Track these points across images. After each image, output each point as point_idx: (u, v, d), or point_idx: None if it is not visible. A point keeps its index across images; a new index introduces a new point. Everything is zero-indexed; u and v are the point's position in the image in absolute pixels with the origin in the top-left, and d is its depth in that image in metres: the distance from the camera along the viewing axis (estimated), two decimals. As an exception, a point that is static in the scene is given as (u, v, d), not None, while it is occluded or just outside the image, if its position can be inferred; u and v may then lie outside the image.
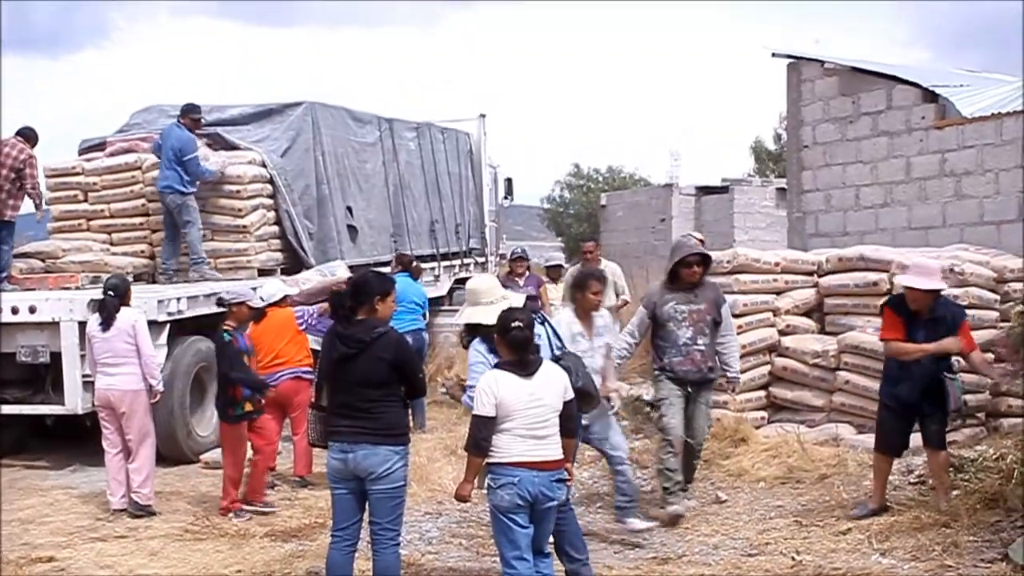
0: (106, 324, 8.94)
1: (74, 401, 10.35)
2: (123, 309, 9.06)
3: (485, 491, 5.97)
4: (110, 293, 9.08)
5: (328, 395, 6.21)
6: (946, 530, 7.23)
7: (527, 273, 13.56)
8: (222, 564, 7.52)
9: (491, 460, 5.79)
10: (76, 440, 11.61)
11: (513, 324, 5.80)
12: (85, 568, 7.51)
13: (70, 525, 8.66)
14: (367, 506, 6.14)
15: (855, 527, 7.70)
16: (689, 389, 8.33)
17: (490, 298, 6.43)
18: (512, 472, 5.72)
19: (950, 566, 6.76)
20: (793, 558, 7.22)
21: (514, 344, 5.81)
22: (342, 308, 6.15)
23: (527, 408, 5.73)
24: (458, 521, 8.49)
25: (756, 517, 8.35)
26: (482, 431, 5.75)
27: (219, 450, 11.12)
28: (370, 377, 5.98)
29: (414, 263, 13.02)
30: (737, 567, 7.14)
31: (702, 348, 8.33)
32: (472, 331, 6.43)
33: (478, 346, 6.30)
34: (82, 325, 10.31)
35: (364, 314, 6.08)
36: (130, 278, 12.31)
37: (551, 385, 5.83)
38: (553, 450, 5.82)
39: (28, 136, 12.06)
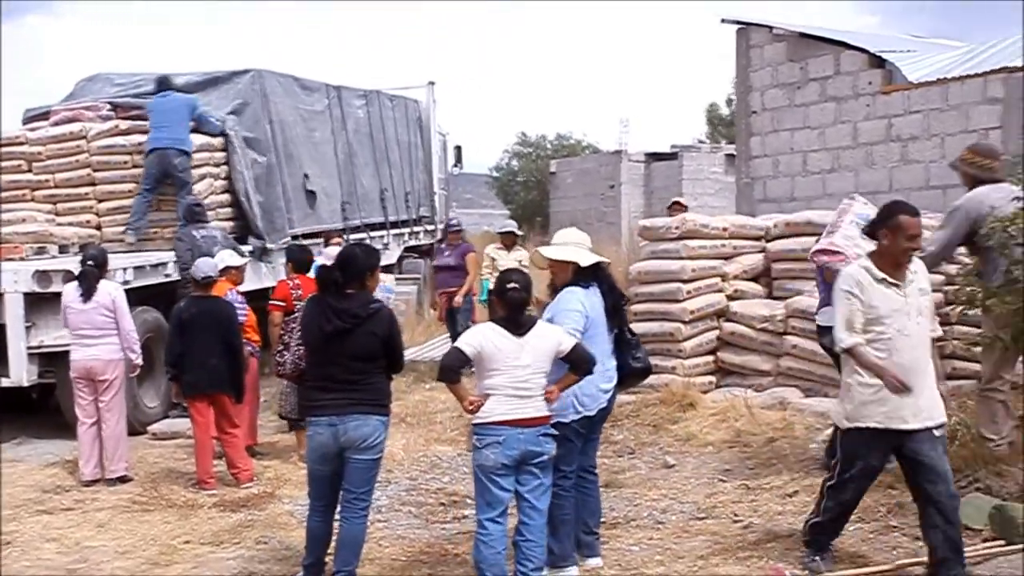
0: (86, 295, 8.90)
1: (19, 373, 10.23)
2: (102, 281, 9.03)
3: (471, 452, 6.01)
4: (89, 263, 9.05)
5: (309, 367, 6.21)
6: (891, 491, 7.30)
7: (460, 243, 13.95)
8: (170, 535, 7.48)
9: (476, 421, 5.86)
10: (22, 413, 11.50)
11: (509, 286, 5.91)
12: (32, 541, 7.44)
13: (16, 498, 8.56)
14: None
15: (802, 490, 7.77)
16: None
17: (580, 242, 6.54)
18: (497, 431, 5.77)
19: (895, 527, 6.84)
20: (741, 521, 7.29)
21: (509, 304, 5.92)
22: (333, 283, 6.14)
23: (514, 366, 5.79)
24: (407, 489, 8.51)
25: (704, 481, 8.41)
26: (451, 360, 5.87)
27: (168, 421, 11.07)
28: (362, 351, 6.05)
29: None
30: (685, 530, 7.20)
31: None
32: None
33: (574, 291, 6.35)
34: (27, 296, 10.19)
35: (355, 288, 6.12)
36: (75, 248, 12.20)
37: (540, 345, 5.87)
38: (537, 407, 5.86)
39: None
